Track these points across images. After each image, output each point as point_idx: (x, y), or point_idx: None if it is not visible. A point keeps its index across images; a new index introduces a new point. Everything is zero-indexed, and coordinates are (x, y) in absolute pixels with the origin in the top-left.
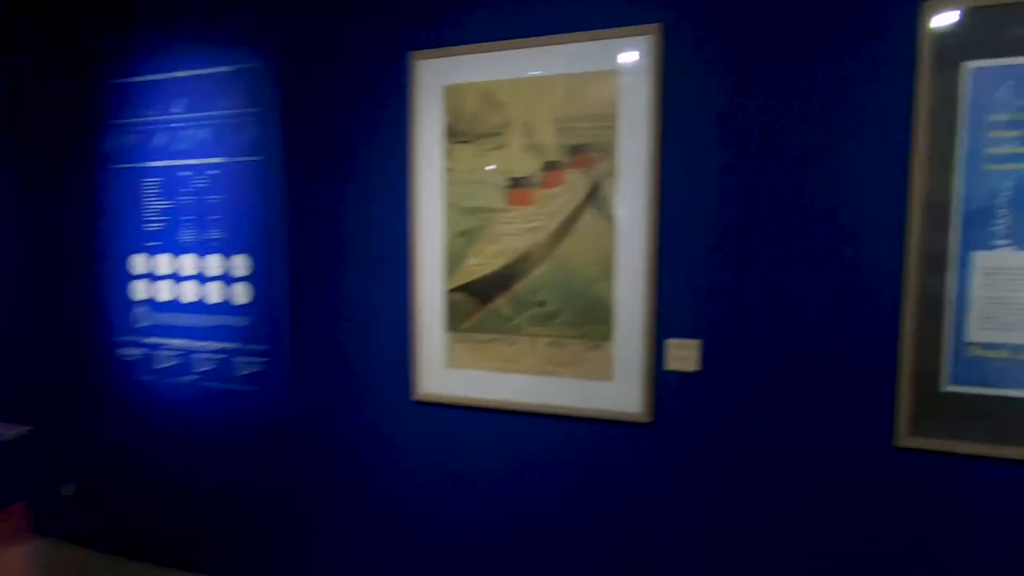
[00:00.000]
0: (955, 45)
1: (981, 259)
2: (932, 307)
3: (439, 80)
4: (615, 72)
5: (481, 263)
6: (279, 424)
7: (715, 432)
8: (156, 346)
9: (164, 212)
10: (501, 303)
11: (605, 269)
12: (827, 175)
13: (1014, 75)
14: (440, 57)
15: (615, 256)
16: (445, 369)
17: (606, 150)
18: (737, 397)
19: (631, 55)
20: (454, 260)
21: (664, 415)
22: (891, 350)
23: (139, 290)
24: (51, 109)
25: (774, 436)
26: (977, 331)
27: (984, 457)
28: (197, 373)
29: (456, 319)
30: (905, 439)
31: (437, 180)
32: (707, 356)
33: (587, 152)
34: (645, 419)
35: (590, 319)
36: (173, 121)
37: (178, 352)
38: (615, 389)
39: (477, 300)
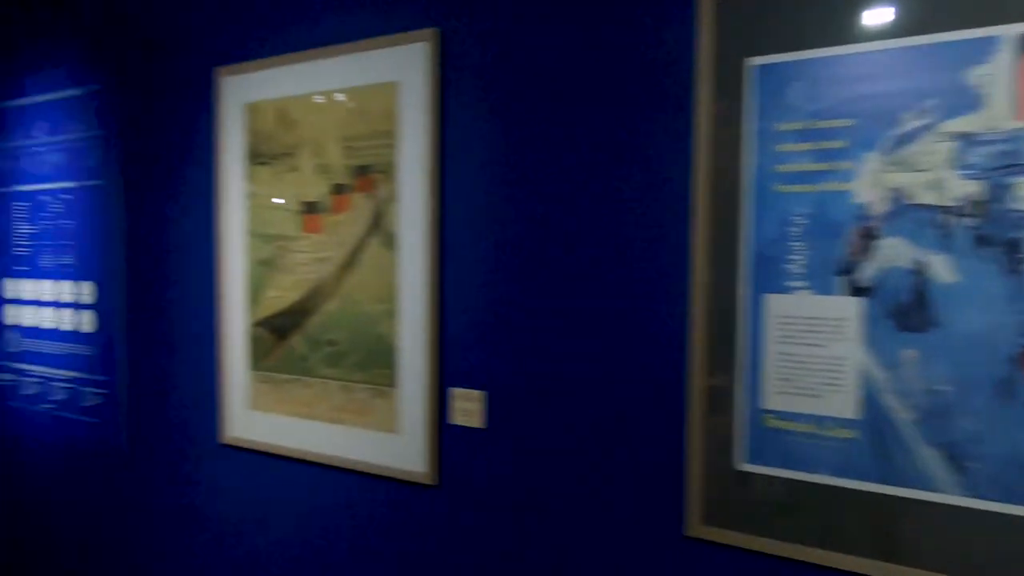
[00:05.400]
0: (738, 36)
1: (774, 304)
2: (721, 363)
3: (241, 98)
4: (394, 84)
5: (279, 295)
6: (114, 461)
7: (499, 503)
8: (23, 372)
9: (28, 236)
10: (297, 340)
11: (389, 306)
12: (608, 203)
13: (806, 73)
14: (241, 73)
15: (398, 291)
16: (248, 411)
17: (388, 171)
18: (521, 464)
19: (407, 64)
20: (255, 291)
21: (450, 477)
22: (679, 415)
23: (9, 315)
24: None
25: (558, 516)
26: (773, 396)
27: (783, 559)
28: (53, 401)
29: (257, 356)
30: (697, 528)
31: (239, 205)
32: (492, 410)
33: (371, 174)
34: (429, 480)
35: (376, 362)
36: (36, 145)
37: (39, 379)
38: (400, 444)
39: (276, 336)
